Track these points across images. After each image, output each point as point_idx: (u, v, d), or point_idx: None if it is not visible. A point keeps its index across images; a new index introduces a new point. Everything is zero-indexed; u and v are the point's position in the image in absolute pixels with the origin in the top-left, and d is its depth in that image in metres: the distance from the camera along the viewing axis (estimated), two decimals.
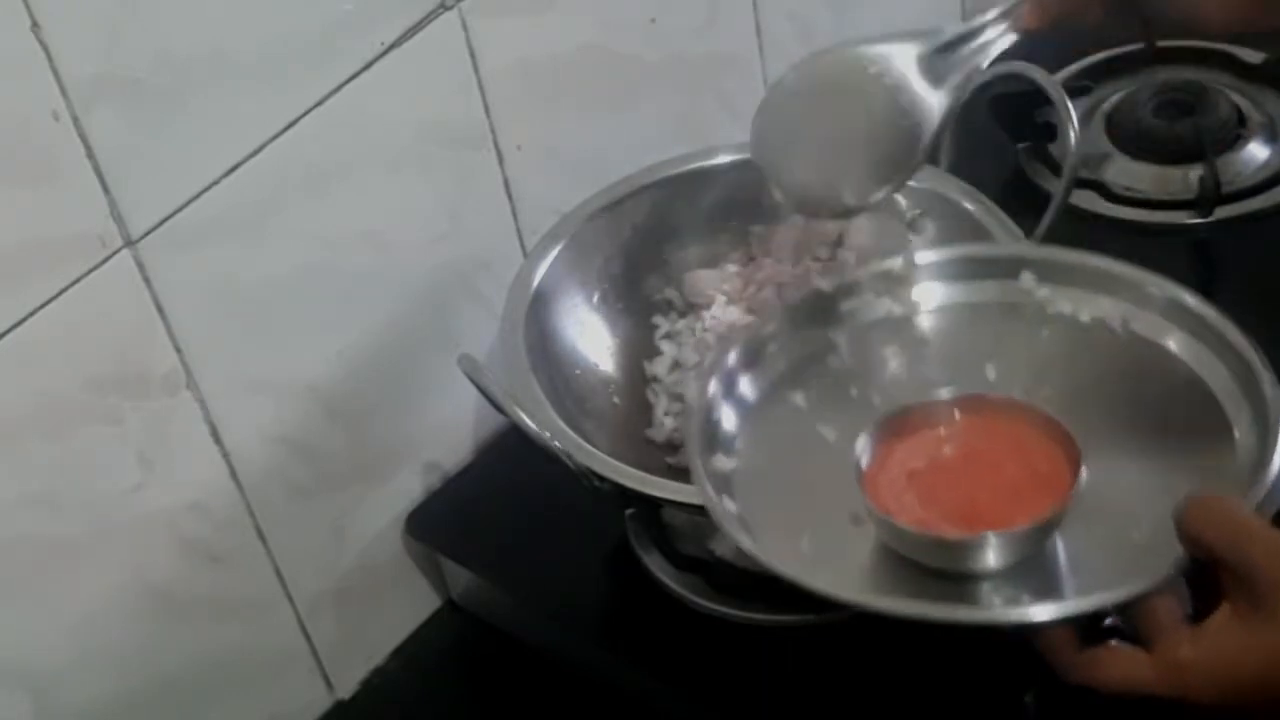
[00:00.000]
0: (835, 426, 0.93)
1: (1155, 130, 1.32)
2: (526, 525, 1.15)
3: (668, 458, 1.08)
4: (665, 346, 1.14)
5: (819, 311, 0.98)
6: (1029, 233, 1.07)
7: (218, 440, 1.03)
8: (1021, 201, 1.13)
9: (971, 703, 1.01)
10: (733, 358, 0.96)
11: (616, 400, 1.12)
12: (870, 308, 0.99)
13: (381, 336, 1.11)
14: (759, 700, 1.03)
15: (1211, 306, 0.92)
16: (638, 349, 1.15)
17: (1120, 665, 0.81)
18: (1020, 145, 1.33)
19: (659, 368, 1.13)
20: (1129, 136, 1.34)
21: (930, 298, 0.99)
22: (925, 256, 1.00)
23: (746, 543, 0.86)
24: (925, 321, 0.99)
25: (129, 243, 0.94)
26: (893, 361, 0.97)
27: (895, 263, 0.99)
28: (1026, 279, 0.97)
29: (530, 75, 1.13)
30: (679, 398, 1.11)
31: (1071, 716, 1.03)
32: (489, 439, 1.21)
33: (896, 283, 0.99)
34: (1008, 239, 1.06)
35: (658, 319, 1.15)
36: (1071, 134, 1.10)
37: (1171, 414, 0.92)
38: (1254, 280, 1.22)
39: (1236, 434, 0.89)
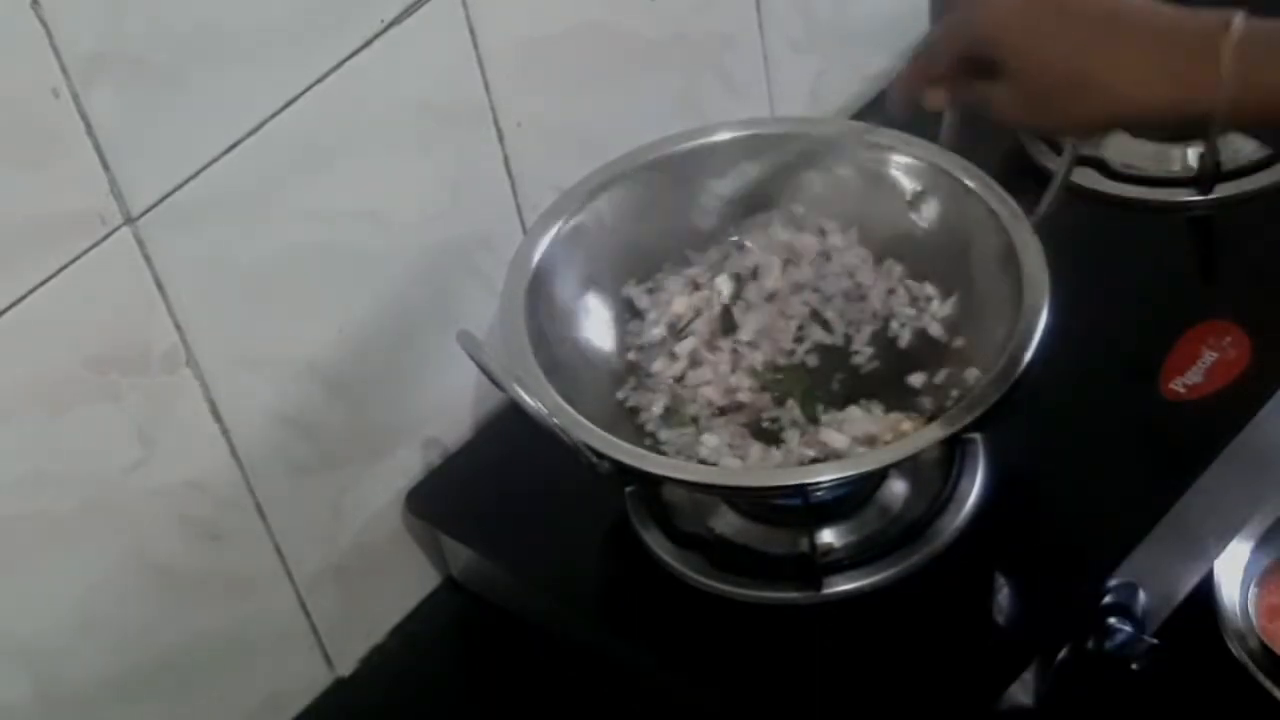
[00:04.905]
0: None
1: None
2: (526, 502, 1.15)
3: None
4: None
5: None
6: (1030, 211, 1.07)
7: (217, 418, 1.03)
8: (1022, 179, 1.13)
9: (965, 679, 1.02)
10: None
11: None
12: None
13: (381, 314, 1.10)
14: (758, 677, 1.03)
15: None
16: None
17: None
18: None
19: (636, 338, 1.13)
20: None
21: None
22: None
23: None
24: None
25: (129, 220, 0.93)
26: None
27: None
28: None
29: (530, 52, 1.13)
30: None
31: (1060, 698, 1.04)
32: (489, 416, 1.21)
33: None
34: (1009, 216, 1.06)
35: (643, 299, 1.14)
36: None
37: None
38: (1253, 258, 1.22)
39: None
